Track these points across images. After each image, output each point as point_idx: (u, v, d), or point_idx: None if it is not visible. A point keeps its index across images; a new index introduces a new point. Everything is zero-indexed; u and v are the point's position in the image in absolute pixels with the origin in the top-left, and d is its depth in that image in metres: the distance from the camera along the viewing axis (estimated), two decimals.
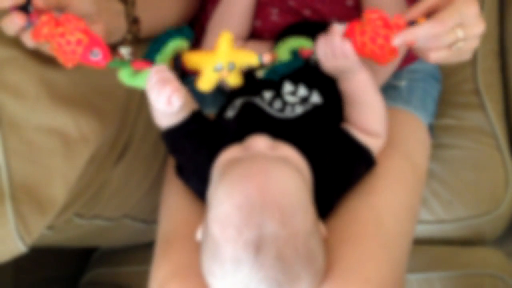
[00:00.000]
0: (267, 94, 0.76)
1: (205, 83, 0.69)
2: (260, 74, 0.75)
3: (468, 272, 1.03)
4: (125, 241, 1.14)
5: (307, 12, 0.85)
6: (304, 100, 0.75)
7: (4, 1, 0.62)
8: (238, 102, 0.76)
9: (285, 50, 0.74)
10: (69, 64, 0.65)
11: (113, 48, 0.73)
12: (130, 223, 1.02)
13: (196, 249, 0.66)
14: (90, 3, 0.68)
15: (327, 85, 0.75)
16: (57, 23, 0.63)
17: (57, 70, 0.70)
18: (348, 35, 0.68)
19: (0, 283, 1.09)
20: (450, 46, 0.65)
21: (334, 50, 0.68)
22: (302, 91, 0.76)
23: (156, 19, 0.83)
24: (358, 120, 0.74)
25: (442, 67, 1.03)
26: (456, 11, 0.63)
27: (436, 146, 1.04)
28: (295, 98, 0.75)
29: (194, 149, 0.73)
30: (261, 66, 0.71)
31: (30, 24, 0.63)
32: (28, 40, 0.65)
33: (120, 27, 0.75)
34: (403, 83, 0.92)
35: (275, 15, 0.85)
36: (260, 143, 0.67)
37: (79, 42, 0.63)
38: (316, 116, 0.74)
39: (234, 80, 0.71)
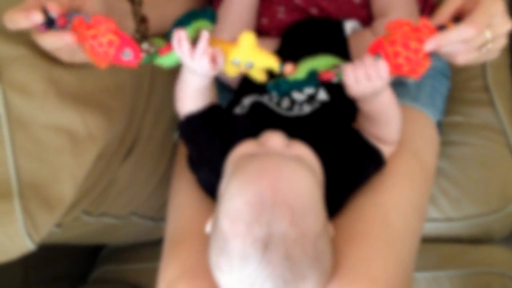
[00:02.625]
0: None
1: (227, 71, 0.68)
2: (272, 83, 0.73)
3: (477, 270, 1.03)
4: (132, 239, 1.14)
5: (314, 10, 0.85)
6: (311, 97, 0.75)
7: (21, 22, 0.62)
8: (247, 102, 0.76)
9: (305, 69, 0.68)
10: (103, 65, 0.66)
11: None
12: (138, 220, 1.02)
13: (204, 249, 0.66)
14: (101, 4, 0.68)
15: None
16: (88, 26, 0.64)
17: (65, 68, 0.70)
18: (376, 49, 0.64)
19: (10, 280, 1.09)
20: (479, 48, 0.64)
21: (368, 72, 0.63)
22: (309, 88, 0.75)
23: (164, 17, 0.83)
24: (375, 134, 0.73)
25: (451, 64, 1.03)
26: (487, 13, 0.62)
27: (445, 143, 1.03)
28: (302, 96, 0.75)
29: (209, 139, 0.72)
30: (280, 74, 0.68)
31: (55, 26, 0.64)
32: (47, 43, 0.65)
33: (128, 26, 0.76)
34: (411, 80, 0.91)
35: (281, 13, 0.85)
36: (275, 140, 0.67)
37: (110, 43, 0.63)
38: (325, 114, 0.73)
39: (256, 75, 0.69)
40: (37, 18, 0.62)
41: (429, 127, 0.87)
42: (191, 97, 0.71)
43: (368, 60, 0.63)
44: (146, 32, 0.79)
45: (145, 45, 0.68)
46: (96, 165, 0.76)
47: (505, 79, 1.10)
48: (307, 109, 0.74)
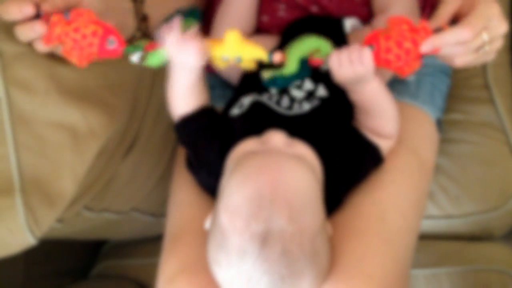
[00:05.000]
0: (274, 89, 0.76)
1: (217, 65, 0.70)
2: (267, 75, 0.74)
3: (476, 267, 1.03)
4: (134, 234, 1.15)
5: (314, 9, 0.85)
6: (310, 94, 0.75)
7: (13, 14, 0.64)
8: (246, 101, 0.76)
9: (294, 57, 0.69)
10: (84, 63, 0.66)
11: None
12: (139, 216, 1.03)
13: (204, 245, 0.67)
14: (99, 1, 0.69)
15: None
16: (68, 22, 0.64)
17: (66, 66, 0.70)
18: (371, 41, 0.65)
19: (12, 275, 1.10)
20: (476, 50, 0.65)
21: (350, 56, 0.65)
22: (308, 84, 0.76)
23: (165, 16, 0.83)
24: (371, 126, 0.73)
25: None
26: (483, 15, 0.63)
27: (445, 141, 1.03)
28: (302, 92, 0.75)
29: (205, 143, 0.73)
30: (270, 64, 0.70)
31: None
32: (41, 46, 0.66)
33: (129, 24, 0.76)
34: (411, 78, 0.91)
35: (282, 11, 0.85)
36: (276, 139, 0.67)
37: (94, 33, 0.64)
38: (324, 111, 0.74)
39: (246, 66, 0.70)
40: (28, 10, 0.63)
41: (428, 125, 0.88)
42: (182, 97, 0.72)
43: (354, 46, 0.65)
44: (147, 31, 0.79)
45: (134, 58, 0.68)
46: (97, 161, 0.76)
47: (505, 77, 1.10)
48: (306, 106, 0.74)
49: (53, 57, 0.69)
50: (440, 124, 0.95)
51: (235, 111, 0.76)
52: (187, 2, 0.89)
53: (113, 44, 0.65)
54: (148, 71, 0.90)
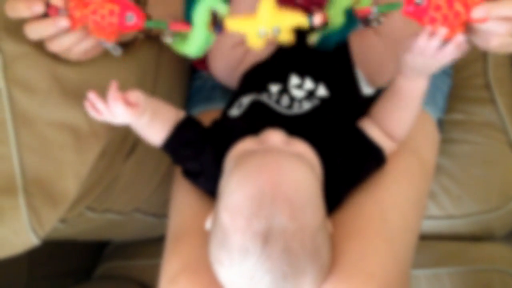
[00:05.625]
0: (274, 88, 0.76)
1: (253, 45, 0.66)
2: (313, 39, 0.68)
3: (477, 267, 1.03)
4: (136, 235, 1.15)
5: (315, 8, 0.85)
6: (311, 93, 0.75)
7: (22, 11, 0.63)
8: (246, 101, 0.76)
9: (337, 11, 0.64)
10: (113, 38, 0.66)
11: (125, 45, 0.74)
12: (141, 217, 1.03)
13: (205, 244, 0.67)
14: None
15: (334, 77, 0.75)
16: (85, 3, 0.64)
17: (68, 66, 0.71)
18: None
19: (16, 275, 1.10)
20: None
21: (432, 49, 0.61)
22: (309, 84, 0.76)
23: (168, 16, 0.83)
24: (387, 123, 0.72)
25: (454, 61, 1.03)
26: None
27: (446, 141, 1.03)
28: (302, 92, 0.76)
29: (198, 152, 0.73)
30: (312, 28, 0.64)
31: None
32: (52, 45, 0.66)
33: None
34: None
35: None
36: (275, 137, 0.68)
37: (111, 12, 0.64)
38: (324, 111, 0.74)
39: (285, 39, 0.65)
40: (39, 9, 0.62)
41: (429, 125, 0.88)
42: (150, 133, 0.73)
43: (439, 34, 0.59)
44: (149, 32, 0.79)
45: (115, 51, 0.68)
46: (100, 162, 0.76)
47: (506, 77, 1.10)
48: (306, 106, 0.74)
49: (55, 57, 0.69)
50: (441, 124, 0.95)
51: (234, 111, 0.76)
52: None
53: (132, 20, 0.65)
54: (150, 72, 0.91)
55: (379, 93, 0.84)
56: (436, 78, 0.94)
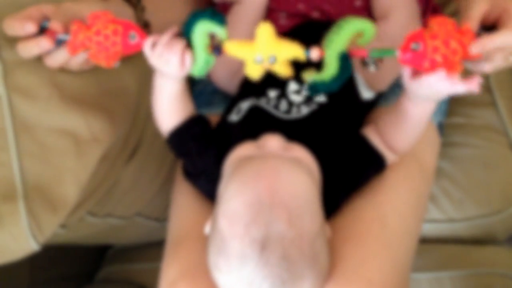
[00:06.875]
0: (272, 93, 0.76)
1: (250, 73, 0.65)
2: (308, 77, 0.66)
3: (479, 271, 1.03)
4: (138, 239, 1.15)
5: (315, 14, 0.85)
6: (309, 98, 0.75)
7: (16, 30, 0.65)
8: (244, 106, 0.76)
9: (333, 53, 0.63)
10: (112, 63, 0.66)
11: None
12: (143, 221, 1.03)
13: (205, 249, 0.67)
14: (100, 9, 0.69)
15: None
16: (88, 26, 0.65)
17: (68, 73, 0.71)
18: (415, 39, 0.60)
19: (17, 280, 1.11)
20: (506, 57, 0.64)
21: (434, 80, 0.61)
22: (307, 90, 0.76)
23: (166, 23, 0.83)
24: (391, 138, 0.72)
25: None
26: None
27: (447, 144, 1.03)
28: (300, 97, 0.75)
29: (201, 150, 0.73)
30: (308, 62, 0.63)
31: (60, 42, 0.65)
32: (51, 61, 0.67)
33: None
34: None
35: (283, 19, 0.86)
36: (273, 142, 0.68)
37: (115, 32, 0.64)
38: (322, 116, 0.74)
39: (281, 70, 0.64)
40: (29, 28, 0.64)
41: (429, 128, 0.87)
42: (167, 110, 0.72)
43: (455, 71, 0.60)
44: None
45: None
46: (100, 167, 0.77)
47: (507, 80, 1.10)
48: (305, 110, 0.74)
49: None
50: (442, 128, 0.95)
51: (233, 117, 0.76)
52: (189, 9, 0.90)
53: (135, 39, 0.65)
54: (150, 78, 0.91)
55: (379, 97, 0.84)
56: None
